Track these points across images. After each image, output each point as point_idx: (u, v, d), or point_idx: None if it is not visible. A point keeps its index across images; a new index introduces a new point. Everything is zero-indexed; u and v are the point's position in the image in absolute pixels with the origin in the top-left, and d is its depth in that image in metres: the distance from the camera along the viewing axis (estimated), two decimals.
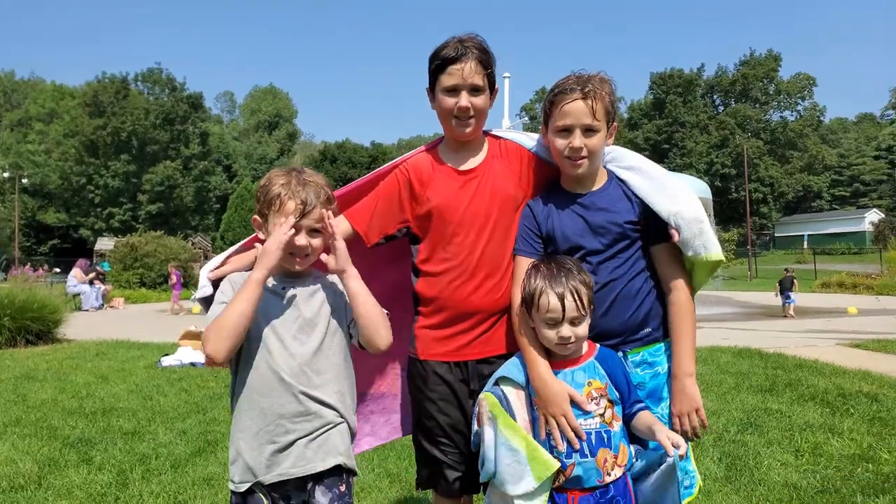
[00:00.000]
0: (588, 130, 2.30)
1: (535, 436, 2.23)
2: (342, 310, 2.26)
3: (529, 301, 2.22)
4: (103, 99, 63.12)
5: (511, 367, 2.31)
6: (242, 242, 2.52)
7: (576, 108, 2.29)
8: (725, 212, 61.23)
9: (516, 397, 2.26)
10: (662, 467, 2.10)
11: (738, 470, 4.33)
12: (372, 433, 2.92)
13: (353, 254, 2.40)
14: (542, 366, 2.22)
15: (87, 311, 19.17)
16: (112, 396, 6.93)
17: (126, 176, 63.23)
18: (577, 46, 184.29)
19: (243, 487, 2.13)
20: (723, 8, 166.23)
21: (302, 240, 2.16)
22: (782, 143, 68.85)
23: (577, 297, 2.15)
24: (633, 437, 2.25)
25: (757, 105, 70.07)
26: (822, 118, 73.31)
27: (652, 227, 2.37)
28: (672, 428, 2.24)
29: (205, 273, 2.36)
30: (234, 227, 58.32)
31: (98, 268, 22.84)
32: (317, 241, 2.20)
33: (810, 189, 75.71)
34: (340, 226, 2.49)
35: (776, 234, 71.20)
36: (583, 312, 2.17)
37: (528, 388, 2.27)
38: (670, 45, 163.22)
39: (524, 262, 2.39)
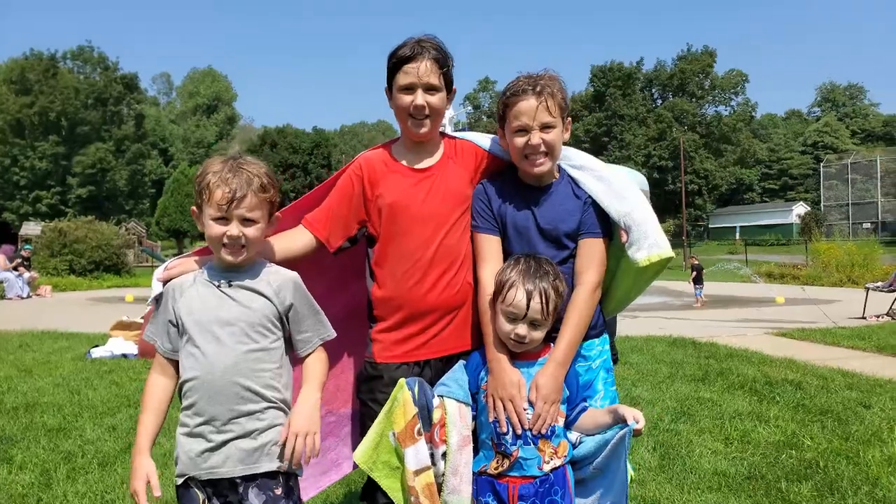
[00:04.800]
0: (545, 127, 2.33)
1: (480, 430, 2.27)
2: (280, 311, 2.19)
3: (498, 290, 2.23)
4: (30, 77, 60.33)
5: (454, 387, 2.29)
6: (196, 250, 2.46)
7: (530, 108, 2.32)
8: (662, 204, 62.58)
9: (457, 411, 2.25)
10: (617, 435, 2.12)
11: (671, 459, 4.44)
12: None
13: (317, 269, 2.40)
14: (500, 351, 2.25)
15: (10, 299, 18.41)
16: (36, 391, 6.65)
17: (55, 158, 60.67)
18: (520, 37, 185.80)
19: (179, 481, 2.11)
20: (663, 1, 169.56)
21: (234, 230, 2.08)
22: (716, 136, 70.76)
23: (543, 301, 2.17)
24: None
25: (693, 99, 71.74)
26: (753, 114, 75.63)
27: (586, 221, 2.41)
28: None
29: (157, 275, 2.32)
30: (169, 213, 57.00)
31: (24, 252, 21.89)
32: (251, 231, 2.12)
33: (742, 182, 78.17)
34: (301, 237, 2.49)
35: (710, 226, 73.29)
36: (545, 317, 2.19)
37: (473, 405, 2.28)
38: (611, 38, 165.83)
39: (485, 240, 2.44)
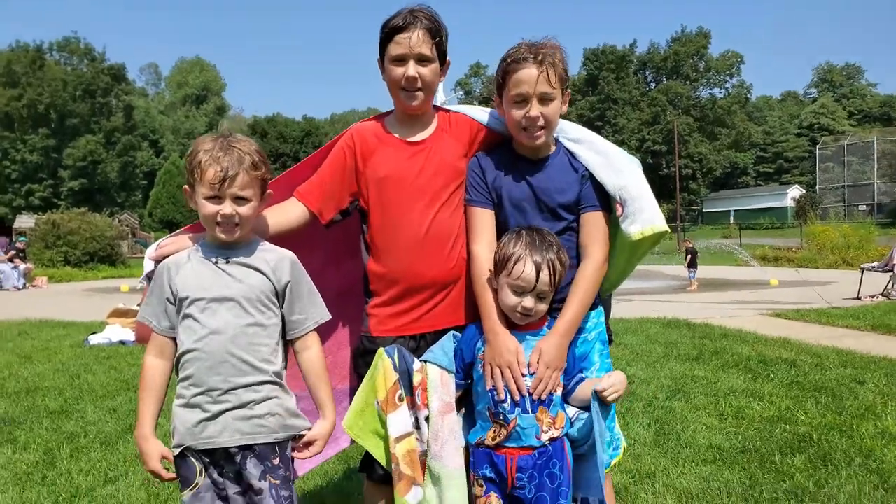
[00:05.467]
0: (544, 98, 2.31)
1: (477, 401, 2.29)
2: (277, 288, 2.21)
3: (502, 264, 2.22)
4: (17, 69, 59.85)
5: (439, 354, 2.32)
6: (186, 227, 2.47)
7: (530, 76, 2.28)
8: (656, 188, 61.60)
9: (439, 377, 2.27)
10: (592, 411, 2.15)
11: (665, 434, 4.50)
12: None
13: (312, 245, 2.40)
14: (497, 320, 2.26)
15: (7, 290, 18.40)
16: (36, 376, 6.71)
17: (45, 150, 60.35)
18: (511, 21, 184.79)
19: (176, 451, 2.13)
20: None
21: (227, 208, 2.09)
22: (711, 119, 70.67)
23: (551, 272, 2.18)
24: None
25: (687, 82, 71.56)
26: (749, 96, 75.52)
27: (586, 195, 2.41)
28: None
29: (149, 253, 2.32)
30: (162, 204, 56.82)
31: (18, 244, 21.86)
32: (244, 210, 2.12)
33: (737, 165, 78.15)
34: (293, 209, 2.48)
35: (704, 210, 73.36)
36: (551, 289, 2.21)
37: (457, 375, 2.30)
38: (604, 20, 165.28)
39: (479, 212, 2.43)
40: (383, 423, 2.24)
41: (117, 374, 6.73)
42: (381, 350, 2.25)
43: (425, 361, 2.30)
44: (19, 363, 7.40)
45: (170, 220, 55.96)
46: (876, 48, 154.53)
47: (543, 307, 2.23)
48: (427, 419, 2.23)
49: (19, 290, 18.77)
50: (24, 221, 37.41)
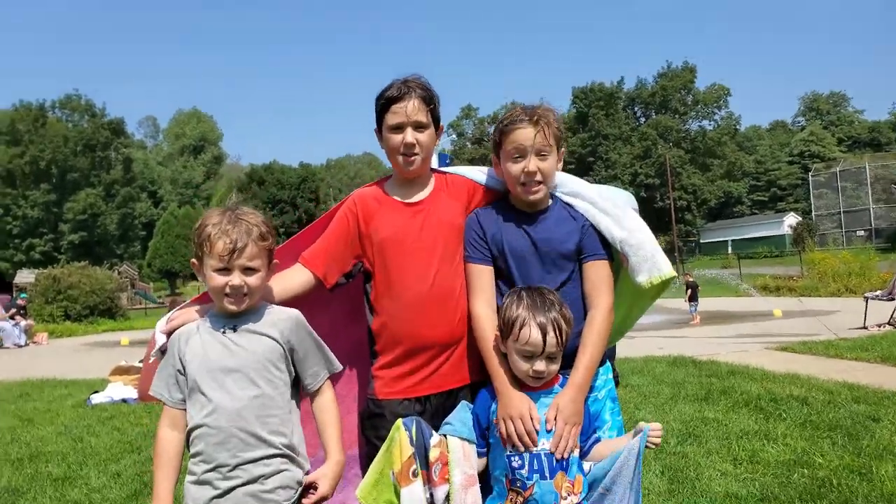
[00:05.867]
0: (540, 154, 2.38)
1: (493, 467, 2.26)
2: (288, 354, 2.22)
3: (508, 329, 2.21)
4: (20, 127, 60.75)
5: (458, 425, 2.29)
6: (194, 298, 2.51)
7: (527, 135, 2.37)
8: (651, 221, 60.98)
9: (461, 449, 2.24)
10: (627, 447, 2.13)
11: (680, 482, 4.42)
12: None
13: (314, 310, 2.41)
14: (506, 379, 2.25)
15: (8, 348, 18.30)
16: (39, 440, 6.62)
17: (46, 206, 60.83)
18: (500, 63, 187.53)
19: None
20: (640, 19, 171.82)
21: (236, 279, 2.12)
22: (702, 151, 71.18)
23: (557, 332, 2.16)
24: None
25: (676, 115, 72.25)
26: (738, 126, 76.13)
27: (588, 245, 2.44)
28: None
29: (159, 327, 2.34)
30: (161, 254, 57.08)
31: (19, 301, 21.81)
32: (253, 280, 2.15)
33: (731, 195, 78.50)
34: (299, 275, 2.51)
35: (701, 241, 73.49)
36: (559, 348, 2.19)
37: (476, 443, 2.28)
38: (591, 60, 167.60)
39: (477, 270, 2.46)
40: (397, 495, 2.20)
41: (121, 435, 6.65)
42: (398, 422, 2.22)
43: (445, 435, 2.26)
44: (21, 427, 7.31)
45: (168, 270, 56.07)
46: (859, 76, 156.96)
47: (555, 367, 2.21)
48: (447, 496, 2.18)
49: (20, 347, 18.68)
50: (25, 277, 37.49)
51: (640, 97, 74.76)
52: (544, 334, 2.14)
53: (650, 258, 2.39)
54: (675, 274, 2.42)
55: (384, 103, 2.50)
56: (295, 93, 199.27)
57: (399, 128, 2.48)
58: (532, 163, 2.37)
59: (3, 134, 60.71)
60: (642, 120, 75.47)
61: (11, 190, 60.27)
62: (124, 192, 66.15)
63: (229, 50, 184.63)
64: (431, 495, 2.19)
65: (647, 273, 2.37)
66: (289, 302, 2.42)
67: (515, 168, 2.40)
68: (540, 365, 2.16)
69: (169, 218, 56.71)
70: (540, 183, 2.40)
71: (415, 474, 2.17)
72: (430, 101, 2.50)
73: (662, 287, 2.43)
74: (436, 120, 2.55)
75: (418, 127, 2.48)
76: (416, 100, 2.46)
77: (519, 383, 2.24)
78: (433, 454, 2.20)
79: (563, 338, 2.18)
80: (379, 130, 2.58)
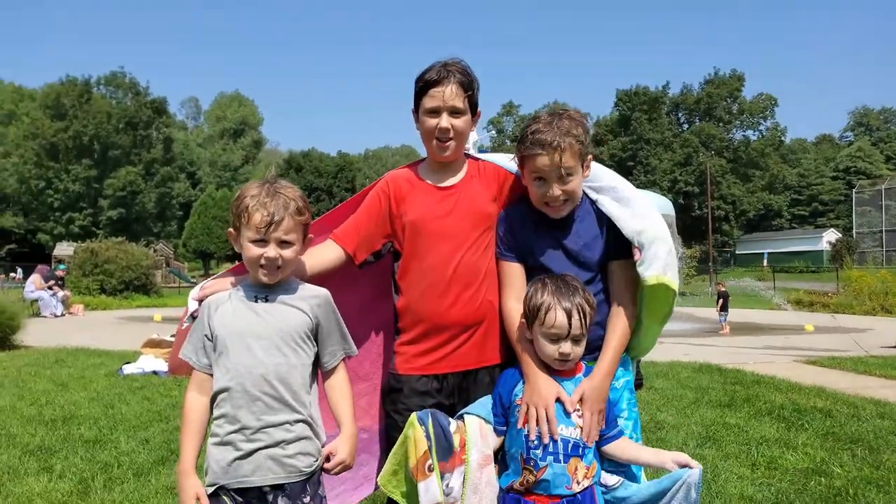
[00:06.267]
0: (563, 177, 2.36)
1: (510, 444, 2.31)
2: (314, 329, 2.29)
3: (533, 315, 2.27)
4: (65, 102, 62.00)
5: (478, 406, 2.36)
6: (229, 269, 2.59)
7: (544, 162, 2.34)
8: (688, 229, 62.04)
9: (479, 429, 2.30)
10: (685, 484, 2.10)
11: None
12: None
13: (345, 287, 2.53)
14: (536, 364, 2.30)
15: (45, 317, 18.76)
16: (72, 404, 6.83)
17: (87, 181, 62.06)
18: (545, 61, 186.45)
19: (209, 490, 2.17)
20: (689, 27, 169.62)
21: (271, 251, 2.18)
22: (744, 161, 70.18)
23: (581, 316, 2.22)
24: (604, 462, 2.33)
25: (720, 124, 71.33)
26: (783, 138, 74.94)
27: (612, 244, 2.46)
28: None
29: (193, 294, 2.43)
30: (196, 235, 57.81)
31: (58, 272, 22.33)
32: (287, 253, 2.21)
33: (770, 208, 77.29)
34: (330, 251, 2.59)
35: (737, 252, 72.50)
36: (585, 331, 2.25)
37: (496, 420, 2.34)
38: (637, 63, 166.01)
39: (507, 266, 2.52)
40: (415, 487, 2.25)
41: (150, 404, 6.83)
42: (412, 418, 2.26)
43: (462, 417, 2.33)
44: (56, 391, 7.54)
45: (203, 251, 56.83)
46: None
47: (580, 350, 2.27)
48: (463, 476, 2.24)
49: (57, 317, 19.13)
50: (64, 249, 38.33)
51: (684, 103, 73.87)
52: (569, 317, 2.20)
53: (664, 257, 2.35)
54: (676, 286, 2.36)
55: (422, 86, 2.51)
56: (337, 81, 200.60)
57: (435, 112, 2.50)
58: (555, 188, 2.36)
59: (48, 108, 62.03)
60: (685, 126, 74.59)
61: (54, 164, 61.58)
62: (163, 171, 67.21)
63: (273, 36, 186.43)
64: (448, 485, 2.24)
65: (655, 270, 2.33)
66: (318, 277, 2.49)
67: (538, 192, 2.41)
68: (566, 347, 2.22)
69: (206, 199, 57.39)
70: (566, 201, 2.41)
71: (430, 469, 2.22)
72: (468, 86, 2.51)
73: (666, 300, 2.39)
74: (473, 106, 2.56)
75: (454, 112, 2.49)
76: (454, 85, 2.47)
77: (546, 369, 2.30)
78: (456, 441, 2.26)
79: (588, 321, 2.24)
80: (416, 112, 2.60)
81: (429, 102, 2.50)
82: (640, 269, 2.37)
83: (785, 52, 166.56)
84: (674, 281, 2.36)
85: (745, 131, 73.30)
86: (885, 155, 77.67)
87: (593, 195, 2.53)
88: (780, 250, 66.70)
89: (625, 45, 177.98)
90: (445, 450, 2.24)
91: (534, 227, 2.51)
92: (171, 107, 74.04)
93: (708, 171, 53.10)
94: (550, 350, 2.24)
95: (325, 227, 2.70)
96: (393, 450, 2.34)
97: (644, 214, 2.42)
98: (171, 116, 77.86)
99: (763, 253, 67.78)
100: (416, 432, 2.22)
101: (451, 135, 2.51)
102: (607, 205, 2.48)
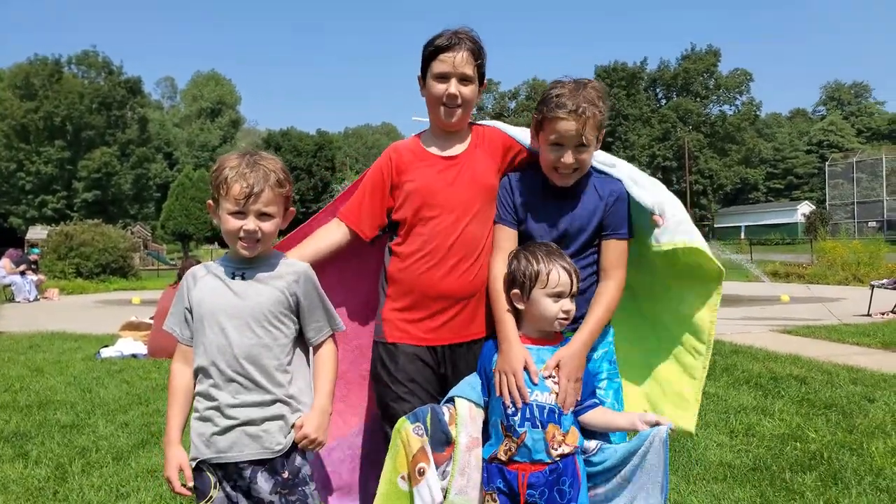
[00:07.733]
0: (580, 146, 2.37)
1: (491, 413, 2.33)
2: (292, 306, 2.26)
3: (534, 280, 2.28)
4: (34, 81, 60.48)
5: (467, 389, 2.36)
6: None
7: (568, 127, 2.34)
8: None
9: (468, 412, 2.32)
10: (648, 439, 2.14)
11: (676, 451, 4.47)
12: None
13: (355, 259, 2.60)
14: (512, 331, 2.33)
15: (18, 302, 18.50)
16: (48, 389, 6.73)
17: (60, 162, 60.79)
18: (523, 39, 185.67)
19: (192, 465, 2.18)
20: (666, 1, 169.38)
21: (250, 224, 2.14)
22: (721, 136, 70.74)
23: (576, 274, 2.30)
24: (585, 432, 2.34)
25: (697, 99, 71.76)
26: (758, 113, 75.55)
27: (611, 222, 2.48)
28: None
29: None
30: (174, 216, 57.18)
31: (31, 256, 21.98)
32: (267, 226, 2.17)
33: (747, 181, 78.01)
34: (337, 230, 2.59)
35: (715, 226, 73.14)
36: (578, 289, 2.31)
37: (487, 404, 2.35)
38: (614, 39, 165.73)
39: (503, 230, 2.52)
40: (410, 499, 2.24)
41: (129, 387, 6.75)
42: (399, 424, 2.26)
43: (451, 399, 2.35)
44: (31, 376, 7.42)
45: (182, 232, 56.24)
46: (883, 67, 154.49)
47: (574, 309, 2.30)
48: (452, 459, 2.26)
49: (31, 302, 18.86)
50: (37, 233, 37.69)
51: (662, 79, 74.16)
52: (569, 274, 2.26)
53: (684, 223, 2.41)
54: (701, 246, 2.38)
55: (433, 51, 2.49)
56: (315, 59, 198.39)
57: (444, 77, 2.48)
58: (569, 156, 2.36)
59: (17, 88, 60.49)
60: (663, 102, 74.85)
61: (25, 145, 60.13)
62: (139, 152, 66.00)
63: (249, 13, 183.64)
64: (444, 472, 2.25)
65: (682, 235, 2.38)
66: (330, 257, 2.54)
67: (552, 157, 2.40)
68: (567, 304, 2.26)
69: (184, 180, 56.66)
70: (575, 170, 2.41)
71: (420, 472, 2.21)
72: (478, 55, 2.50)
73: (697, 266, 2.44)
74: (481, 76, 2.55)
75: (463, 79, 2.48)
76: (465, 52, 2.46)
77: (513, 327, 2.33)
78: (453, 431, 2.28)
79: (577, 281, 2.30)
80: (423, 78, 2.57)
81: (438, 67, 2.48)
82: (656, 233, 2.44)
83: (758, 27, 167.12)
84: (701, 243, 2.39)
85: (721, 106, 73.87)
86: (857, 129, 78.62)
87: (602, 168, 2.56)
88: (756, 223, 67.39)
89: (602, 20, 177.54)
90: (442, 441, 2.26)
91: (533, 197, 2.52)
92: (146, 87, 72.61)
93: (686, 146, 53.44)
94: (554, 309, 2.26)
95: (336, 212, 2.71)
96: (384, 469, 2.29)
97: (658, 189, 2.50)
98: (147, 96, 76.37)
99: (740, 226, 68.44)
100: (404, 436, 2.22)
101: (459, 101, 2.50)
102: (619, 176, 2.53)
